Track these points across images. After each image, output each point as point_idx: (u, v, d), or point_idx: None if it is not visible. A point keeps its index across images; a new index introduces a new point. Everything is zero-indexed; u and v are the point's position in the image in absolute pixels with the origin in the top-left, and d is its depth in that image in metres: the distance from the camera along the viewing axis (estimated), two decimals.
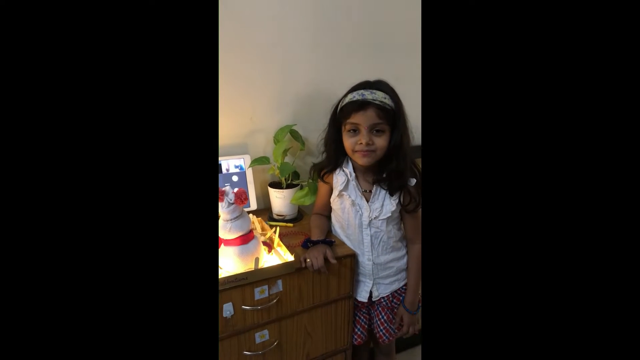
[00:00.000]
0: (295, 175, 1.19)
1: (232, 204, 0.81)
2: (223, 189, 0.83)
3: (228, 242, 0.84)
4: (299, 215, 1.18)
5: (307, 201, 1.10)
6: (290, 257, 0.89)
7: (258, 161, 1.11)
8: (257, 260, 0.83)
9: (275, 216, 1.16)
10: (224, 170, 1.12)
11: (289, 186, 1.14)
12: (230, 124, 1.15)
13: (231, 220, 0.82)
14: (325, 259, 0.88)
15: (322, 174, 0.99)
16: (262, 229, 1.06)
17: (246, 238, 0.84)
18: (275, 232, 0.99)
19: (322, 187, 1.03)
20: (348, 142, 0.89)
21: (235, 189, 0.83)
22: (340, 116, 0.90)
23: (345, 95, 0.90)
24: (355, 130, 0.88)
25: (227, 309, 0.83)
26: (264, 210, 1.20)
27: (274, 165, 1.14)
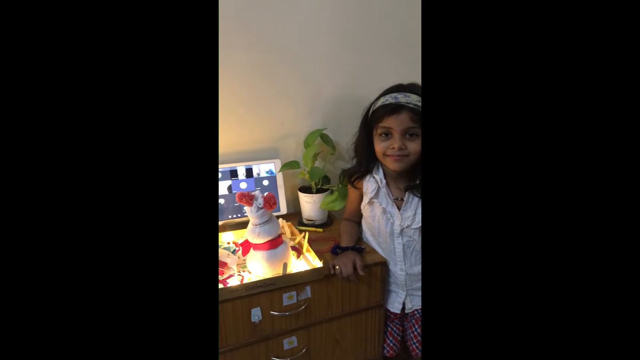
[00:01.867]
0: (326, 179, 1.18)
1: (261, 208, 0.81)
2: (253, 193, 0.83)
3: (257, 247, 0.84)
4: (329, 221, 1.17)
5: (337, 206, 1.09)
6: (319, 263, 0.88)
7: (288, 165, 1.11)
8: (285, 265, 0.83)
9: (305, 221, 1.15)
10: (254, 175, 1.12)
11: (319, 191, 1.13)
12: (262, 128, 1.16)
13: (260, 224, 0.82)
14: (354, 267, 0.86)
15: (352, 179, 0.97)
16: (292, 233, 1.06)
17: (275, 243, 0.84)
18: (304, 237, 0.97)
19: (353, 193, 1.01)
20: (380, 146, 0.86)
21: (265, 194, 0.82)
22: (371, 120, 0.88)
23: (378, 98, 0.88)
24: (387, 134, 0.85)
25: (256, 314, 0.83)
26: (294, 215, 1.20)
27: (304, 170, 1.13)
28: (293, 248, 0.95)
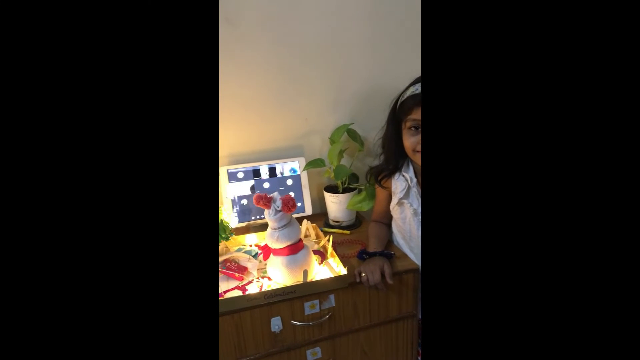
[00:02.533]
0: (354, 178, 1.11)
1: (279, 211, 0.75)
2: (271, 195, 0.77)
3: (276, 252, 0.78)
4: (357, 222, 1.09)
5: (365, 207, 1.01)
6: (343, 270, 0.81)
7: (312, 164, 1.05)
8: (305, 272, 0.77)
9: (331, 222, 1.08)
10: (277, 174, 1.07)
11: (345, 190, 1.06)
12: (285, 125, 1.11)
13: (279, 228, 0.76)
14: (383, 275, 0.78)
15: (379, 178, 0.89)
16: (317, 236, 1.00)
17: (295, 248, 0.78)
18: (329, 240, 0.91)
19: (381, 193, 0.93)
20: (409, 141, 0.78)
21: (284, 195, 0.77)
22: (400, 112, 0.79)
23: (407, 88, 0.79)
24: (417, 128, 0.77)
25: (276, 324, 0.77)
26: (321, 216, 1.14)
27: (330, 168, 1.07)
28: (317, 252, 0.88)
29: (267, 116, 1.08)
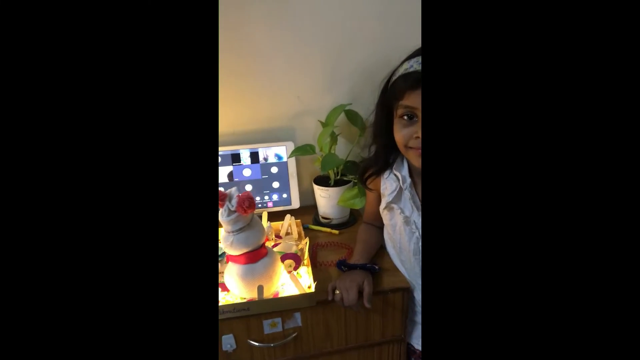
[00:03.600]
0: (352, 168, 0.94)
1: (234, 211, 0.62)
2: (227, 192, 0.64)
3: (232, 259, 0.66)
4: (351, 220, 0.94)
5: (358, 204, 0.85)
6: (312, 284, 0.67)
7: (300, 150, 0.90)
8: (260, 288, 0.63)
9: (321, 219, 0.94)
10: (261, 160, 0.93)
11: (338, 183, 0.91)
12: (272, 103, 0.95)
13: (233, 232, 0.63)
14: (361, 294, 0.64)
15: (365, 177, 0.72)
16: (299, 236, 0.86)
17: (253, 255, 0.65)
18: (306, 244, 0.77)
19: (370, 192, 0.77)
20: (400, 133, 0.61)
21: (242, 193, 0.63)
22: (390, 96, 0.62)
23: (400, 64, 0.61)
24: (410, 117, 0.59)
25: (228, 342, 0.66)
26: (311, 210, 0.99)
27: (320, 156, 0.91)
28: (293, 256, 0.75)
29: (251, 91, 0.93)
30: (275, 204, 0.95)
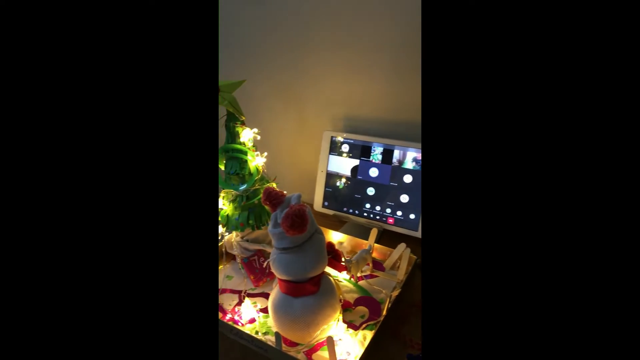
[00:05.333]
0: None
1: (279, 225, 0.47)
2: (286, 195, 0.49)
3: (278, 280, 0.52)
4: None
5: None
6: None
7: None
8: (278, 336, 0.47)
9: None
10: (394, 161, 0.71)
11: None
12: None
13: (278, 250, 0.49)
14: None
15: None
16: (406, 276, 0.63)
17: (293, 288, 0.49)
18: (394, 289, 0.54)
19: None
20: None
21: (297, 204, 0.47)
22: None
23: None
24: None
25: None
26: None
27: None
28: (372, 305, 0.54)
29: (396, 71, 0.70)
30: (397, 222, 0.72)
